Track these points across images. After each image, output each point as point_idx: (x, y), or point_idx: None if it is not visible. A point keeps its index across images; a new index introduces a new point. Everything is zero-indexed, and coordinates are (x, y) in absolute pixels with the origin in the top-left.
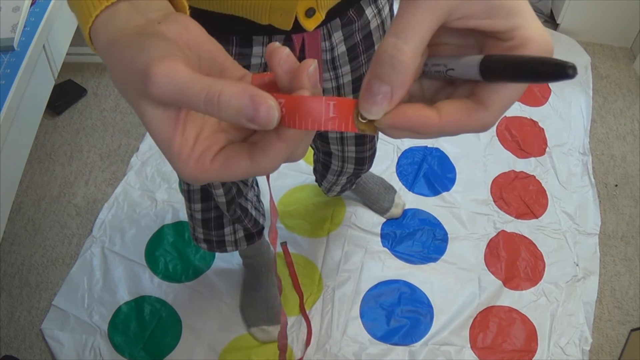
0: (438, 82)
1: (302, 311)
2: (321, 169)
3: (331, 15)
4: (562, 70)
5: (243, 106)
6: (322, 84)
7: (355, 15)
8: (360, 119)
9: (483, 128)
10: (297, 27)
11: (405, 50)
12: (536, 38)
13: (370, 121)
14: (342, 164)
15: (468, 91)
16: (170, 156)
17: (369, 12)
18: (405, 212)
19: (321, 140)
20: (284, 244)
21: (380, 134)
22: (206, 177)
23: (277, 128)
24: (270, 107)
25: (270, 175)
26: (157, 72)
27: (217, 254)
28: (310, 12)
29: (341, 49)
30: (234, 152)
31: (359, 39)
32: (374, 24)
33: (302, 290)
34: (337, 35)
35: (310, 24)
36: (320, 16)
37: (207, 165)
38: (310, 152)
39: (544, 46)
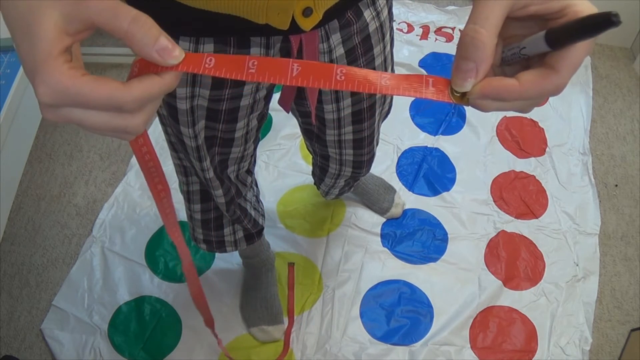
0: (517, 66)
1: (287, 337)
2: (319, 173)
3: (329, 16)
4: (607, 19)
5: (160, 39)
6: (320, 87)
7: (353, 17)
8: (454, 93)
9: (557, 89)
10: (295, 28)
11: (482, 32)
12: (585, 10)
13: (463, 94)
14: (339, 167)
15: (540, 65)
16: (49, 54)
17: (367, 14)
18: (405, 212)
19: (319, 143)
20: (291, 265)
21: (380, 137)
22: (73, 86)
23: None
24: (180, 53)
25: (270, 175)
26: None
27: (216, 254)
28: (307, 12)
29: (339, 51)
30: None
31: (357, 42)
32: (372, 27)
33: (294, 318)
34: (335, 38)
35: (307, 24)
36: (317, 16)
37: (79, 75)
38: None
39: None
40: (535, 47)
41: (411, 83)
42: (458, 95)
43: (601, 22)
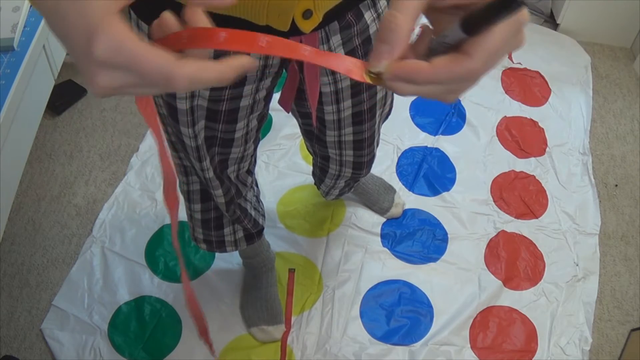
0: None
1: (283, 342)
2: (319, 173)
3: (329, 18)
4: (508, 2)
5: None
6: (321, 88)
7: (354, 18)
8: (370, 74)
9: (469, 74)
10: (295, 30)
11: (399, 17)
12: None
13: (378, 75)
14: (340, 168)
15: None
16: (109, 11)
17: (368, 16)
18: (405, 212)
19: (319, 144)
20: (292, 271)
21: (380, 137)
22: (129, 46)
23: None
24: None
25: (270, 175)
26: None
27: (216, 254)
28: (307, 14)
29: (339, 52)
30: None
31: (357, 43)
32: (373, 29)
33: (291, 324)
34: (336, 39)
35: (307, 26)
36: (317, 18)
37: (137, 38)
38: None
39: None
40: (454, 34)
41: (327, 58)
42: (374, 76)
43: (504, 4)
